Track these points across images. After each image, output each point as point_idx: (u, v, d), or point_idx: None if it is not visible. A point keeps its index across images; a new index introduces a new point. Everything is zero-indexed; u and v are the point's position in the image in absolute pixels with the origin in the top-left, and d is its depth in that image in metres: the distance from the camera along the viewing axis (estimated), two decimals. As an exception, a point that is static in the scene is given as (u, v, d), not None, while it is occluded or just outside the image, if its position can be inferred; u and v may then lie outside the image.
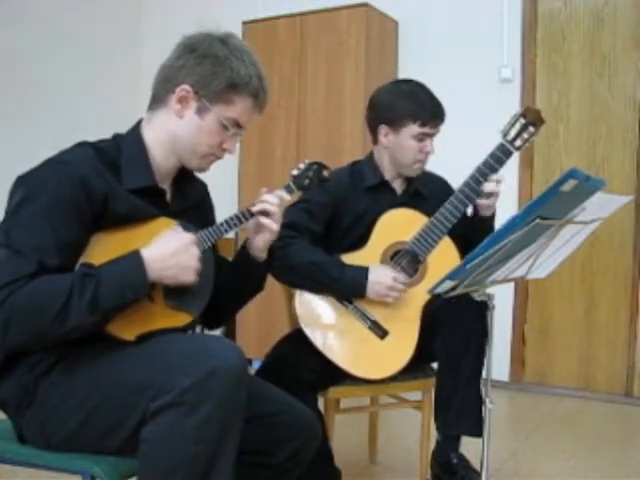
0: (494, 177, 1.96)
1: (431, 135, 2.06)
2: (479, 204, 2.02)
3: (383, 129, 2.09)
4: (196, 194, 1.60)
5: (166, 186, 1.51)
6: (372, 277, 1.95)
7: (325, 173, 1.59)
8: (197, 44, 1.42)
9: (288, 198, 1.54)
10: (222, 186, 3.87)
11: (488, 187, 1.96)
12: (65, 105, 4.17)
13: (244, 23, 4.13)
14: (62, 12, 4.17)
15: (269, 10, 4.21)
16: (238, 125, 1.45)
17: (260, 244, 1.55)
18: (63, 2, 4.20)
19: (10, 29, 3.88)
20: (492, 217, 2.08)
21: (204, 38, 1.43)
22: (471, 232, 2.03)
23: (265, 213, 1.50)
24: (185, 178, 1.55)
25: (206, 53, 1.41)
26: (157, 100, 1.47)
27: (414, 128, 2.03)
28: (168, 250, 1.33)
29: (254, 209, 1.49)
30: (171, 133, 1.44)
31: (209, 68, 1.40)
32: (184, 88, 1.41)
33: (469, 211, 2.07)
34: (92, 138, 1.46)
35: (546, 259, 1.63)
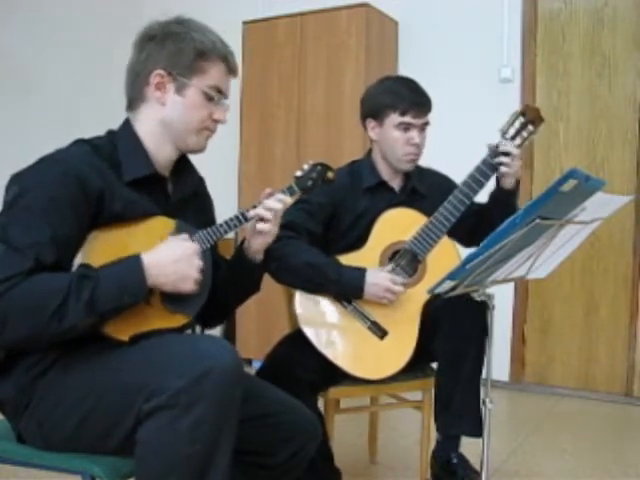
0: (513, 143, 1.95)
1: (417, 126, 2.06)
2: (500, 173, 1.99)
3: (370, 123, 2.13)
4: (194, 183, 1.60)
5: (166, 175, 1.51)
6: (369, 279, 1.95)
7: (329, 174, 1.57)
8: (154, 31, 1.44)
9: (290, 201, 1.52)
10: (222, 186, 3.87)
11: (505, 147, 1.94)
12: (63, 106, 4.16)
13: (244, 23, 4.14)
14: (61, 12, 4.17)
15: (269, 10, 4.21)
16: (220, 92, 1.46)
17: (257, 247, 1.54)
18: (63, 3, 4.20)
19: (6, 26, 3.87)
20: (514, 193, 2.06)
21: (158, 24, 1.45)
22: (492, 209, 2.05)
23: (261, 218, 1.49)
24: (183, 168, 1.55)
25: (165, 35, 1.43)
26: (134, 99, 1.47)
27: (395, 117, 2.05)
28: (170, 257, 1.33)
29: (249, 214, 1.48)
30: (160, 122, 1.45)
31: (173, 47, 1.42)
32: (158, 73, 1.42)
33: (490, 186, 2.05)
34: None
35: (546, 259, 1.63)
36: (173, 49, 1.41)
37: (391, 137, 2.07)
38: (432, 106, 2.09)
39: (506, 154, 1.95)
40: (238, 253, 1.58)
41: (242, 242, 1.58)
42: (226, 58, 1.46)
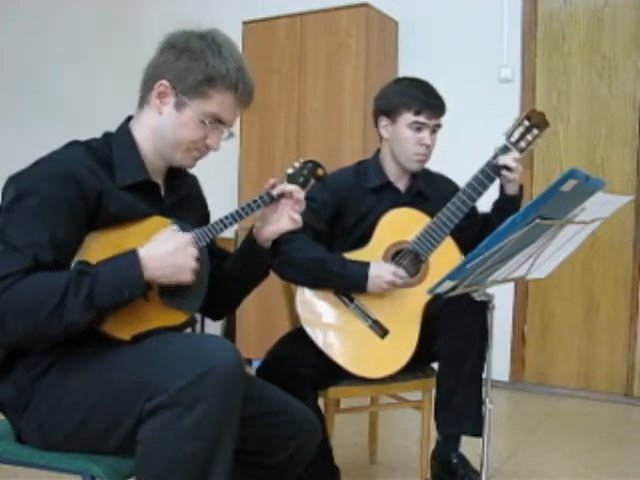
0: (512, 155, 1.96)
1: (429, 127, 2.07)
2: (502, 181, 2.01)
3: (383, 121, 2.13)
4: (188, 187, 1.60)
5: (159, 181, 1.51)
6: (372, 272, 1.96)
7: (319, 171, 1.59)
8: (176, 40, 1.43)
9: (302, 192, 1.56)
10: (222, 187, 3.88)
11: (504, 160, 1.96)
12: (64, 106, 4.16)
13: (244, 23, 4.14)
14: (62, 12, 4.17)
15: (269, 10, 4.21)
16: (219, 121, 1.43)
17: (267, 235, 1.56)
18: (63, 3, 4.19)
19: (7, 26, 3.87)
20: (517, 199, 2.07)
21: (183, 34, 1.44)
22: (494, 217, 2.05)
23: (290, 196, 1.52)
24: (176, 172, 1.55)
25: (183, 48, 1.41)
26: (141, 99, 1.47)
27: (409, 116, 2.06)
28: (165, 249, 1.33)
29: (275, 191, 1.50)
30: (154, 129, 1.44)
31: (185, 63, 1.40)
32: (162, 83, 1.41)
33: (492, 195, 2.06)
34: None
35: (546, 259, 1.63)
36: (185, 65, 1.40)
37: (403, 136, 2.08)
38: (446, 110, 2.09)
39: (507, 168, 1.96)
40: (248, 241, 1.59)
41: (251, 231, 1.58)
42: (236, 89, 1.42)
